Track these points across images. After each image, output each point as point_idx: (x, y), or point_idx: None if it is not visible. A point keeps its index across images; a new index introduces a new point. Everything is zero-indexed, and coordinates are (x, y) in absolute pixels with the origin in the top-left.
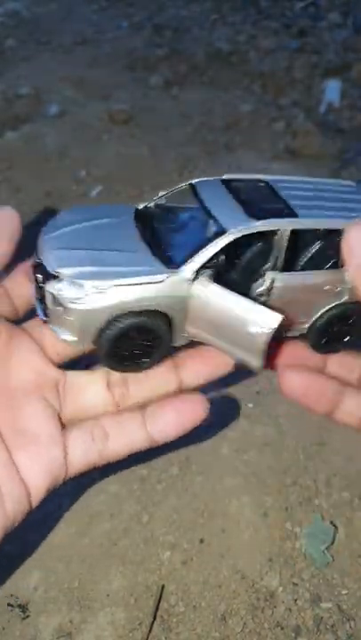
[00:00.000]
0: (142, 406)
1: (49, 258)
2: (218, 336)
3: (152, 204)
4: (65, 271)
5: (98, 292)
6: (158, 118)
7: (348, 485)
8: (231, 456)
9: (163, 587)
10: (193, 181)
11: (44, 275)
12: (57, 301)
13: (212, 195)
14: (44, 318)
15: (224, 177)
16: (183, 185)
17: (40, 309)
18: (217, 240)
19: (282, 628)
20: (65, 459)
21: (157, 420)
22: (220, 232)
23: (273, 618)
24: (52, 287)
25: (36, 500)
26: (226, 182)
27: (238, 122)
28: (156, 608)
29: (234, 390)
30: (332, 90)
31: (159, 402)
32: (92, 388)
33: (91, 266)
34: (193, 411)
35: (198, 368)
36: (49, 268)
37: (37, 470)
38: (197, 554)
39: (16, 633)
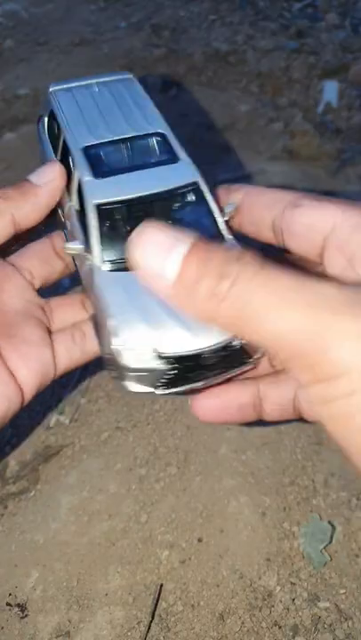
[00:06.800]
0: None
1: None
2: None
3: None
4: None
5: None
6: None
7: (346, 485)
8: (230, 456)
9: (161, 586)
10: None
11: None
12: None
13: None
14: None
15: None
16: None
17: None
18: None
19: (280, 628)
20: (53, 359)
21: None
22: None
23: (271, 617)
24: None
25: (27, 399)
26: None
27: (236, 122)
28: (155, 607)
29: None
30: (330, 90)
31: None
32: (72, 307)
33: None
34: None
35: None
36: None
37: (29, 369)
38: (196, 553)
39: (15, 632)
